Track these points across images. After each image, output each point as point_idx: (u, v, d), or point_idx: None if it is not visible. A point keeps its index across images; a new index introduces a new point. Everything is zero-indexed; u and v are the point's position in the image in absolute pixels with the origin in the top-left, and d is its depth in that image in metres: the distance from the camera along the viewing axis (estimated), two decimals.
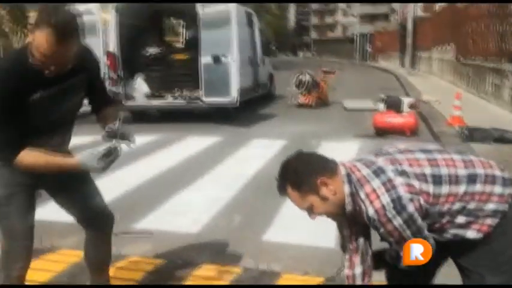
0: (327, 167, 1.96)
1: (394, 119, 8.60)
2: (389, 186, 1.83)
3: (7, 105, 2.05)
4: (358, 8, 62.97)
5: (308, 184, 1.92)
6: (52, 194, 2.52)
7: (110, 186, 5.68)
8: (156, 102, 10.85)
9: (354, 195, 1.90)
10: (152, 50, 11.22)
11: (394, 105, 8.86)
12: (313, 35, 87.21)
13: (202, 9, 9.48)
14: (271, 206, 4.68)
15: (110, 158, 2.25)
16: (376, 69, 32.53)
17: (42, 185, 2.43)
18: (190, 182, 5.88)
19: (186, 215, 4.72)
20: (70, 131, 2.42)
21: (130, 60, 10.61)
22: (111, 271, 3.36)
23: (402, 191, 1.81)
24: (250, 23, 12.31)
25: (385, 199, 1.81)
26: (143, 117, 11.12)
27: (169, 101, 10.77)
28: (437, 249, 1.90)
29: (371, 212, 1.83)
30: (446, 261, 2.19)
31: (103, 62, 9.83)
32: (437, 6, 23.84)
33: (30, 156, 2.16)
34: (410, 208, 1.81)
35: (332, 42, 73.19)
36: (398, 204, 1.79)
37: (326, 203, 1.94)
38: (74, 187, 2.49)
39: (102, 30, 10.00)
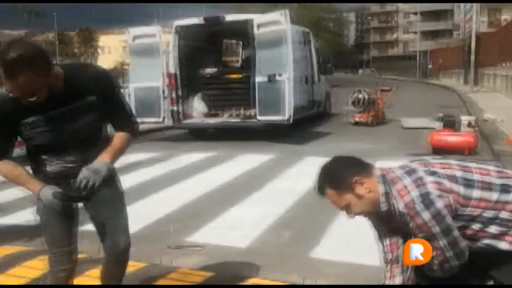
0: (363, 168, 2.11)
1: (451, 138, 8.40)
2: (419, 183, 1.95)
3: None
4: (419, 25, 61.82)
5: (345, 183, 2.06)
6: (85, 206, 2.66)
7: (167, 200, 5.97)
8: (212, 121, 11.17)
9: (388, 194, 2.01)
10: (210, 70, 11.58)
11: (451, 124, 8.67)
12: (373, 52, 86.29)
13: (257, 29, 9.71)
14: (320, 223, 4.72)
15: (68, 198, 2.33)
16: (437, 87, 31.71)
17: None
18: (243, 197, 6.02)
19: (237, 230, 4.84)
20: (92, 149, 2.46)
21: (188, 80, 11.01)
22: (162, 282, 3.53)
23: (431, 188, 1.92)
24: (306, 42, 12.45)
25: (415, 193, 1.92)
26: (200, 134, 11.46)
27: (224, 119, 11.06)
28: (473, 259, 1.91)
29: (401, 206, 1.94)
30: (489, 280, 2.17)
31: (163, 82, 10.29)
32: (503, 19, 23.07)
33: (5, 167, 2.40)
34: (439, 204, 1.89)
35: (392, 60, 72.14)
36: (426, 199, 1.90)
37: (362, 201, 2.06)
38: (103, 205, 2.61)
39: (162, 52, 10.44)
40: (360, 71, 76.35)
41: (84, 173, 2.27)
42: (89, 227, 2.73)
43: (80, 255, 3.48)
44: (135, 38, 10.69)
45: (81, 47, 75.79)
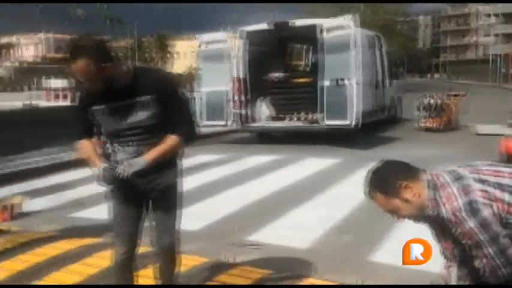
0: (411, 172, 2.13)
1: None
2: (466, 190, 1.95)
3: (79, 110, 2.77)
4: (500, 27, 58.87)
5: (393, 188, 2.09)
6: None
7: (232, 200, 6.17)
8: (278, 124, 11.32)
9: (435, 199, 2.03)
10: (277, 74, 11.74)
11: None
12: (449, 56, 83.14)
13: (325, 34, 9.75)
14: (381, 228, 4.70)
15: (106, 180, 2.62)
16: None
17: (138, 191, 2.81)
18: (305, 200, 6.10)
19: (298, 231, 4.93)
20: (146, 145, 2.67)
21: (256, 84, 11.23)
22: (223, 277, 3.69)
23: (478, 196, 1.92)
24: (375, 46, 12.31)
25: (461, 201, 1.93)
26: (266, 138, 11.65)
27: (290, 123, 11.17)
28: None
29: (447, 212, 1.96)
30: None
31: (231, 86, 10.58)
32: None
33: (84, 144, 2.78)
34: (485, 212, 1.89)
35: (467, 63, 69.12)
36: (472, 207, 1.90)
37: (409, 206, 2.09)
38: (158, 205, 2.84)
39: (231, 57, 10.73)
40: (434, 76, 73.78)
41: (122, 166, 2.58)
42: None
43: (145, 248, 3.74)
44: (204, 43, 11.07)
45: (157, 52, 78.63)
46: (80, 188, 6.89)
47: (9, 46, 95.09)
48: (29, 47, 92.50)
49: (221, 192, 6.58)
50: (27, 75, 58.85)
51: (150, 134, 2.67)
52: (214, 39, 11.09)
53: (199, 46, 11.05)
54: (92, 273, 3.77)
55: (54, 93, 30.72)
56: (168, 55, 78.08)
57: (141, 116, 2.62)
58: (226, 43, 10.71)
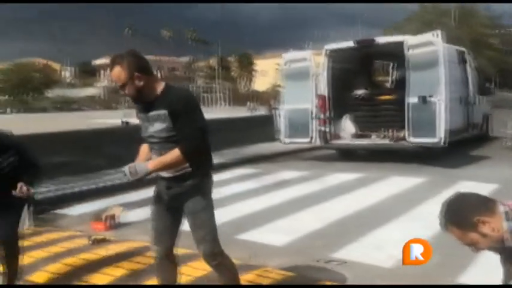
0: (486, 205, 2.07)
1: None
2: None
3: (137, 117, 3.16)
4: None
5: (468, 222, 2.05)
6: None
7: (315, 217, 6.25)
8: (361, 142, 11.25)
9: None
10: (360, 91, 11.71)
11: None
12: None
13: (410, 51, 9.63)
14: (468, 250, 4.57)
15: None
16: None
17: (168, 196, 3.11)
18: (390, 219, 6.04)
19: (382, 250, 4.91)
20: (163, 154, 2.95)
21: (338, 101, 11.26)
22: None
23: None
24: (462, 62, 11.93)
25: None
26: (348, 155, 11.60)
27: (374, 140, 11.06)
28: None
29: None
30: None
31: (314, 104, 10.70)
32: None
33: (141, 148, 3.19)
34: None
35: None
36: None
37: (486, 239, 2.05)
38: (190, 215, 3.07)
39: (313, 75, 10.87)
40: None
41: (126, 168, 2.85)
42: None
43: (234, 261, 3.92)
44: (288, 62, 11.30)
45: (238, 71, 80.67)
46: None
47: (103, 68, 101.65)
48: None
49: (304, 209, 6.67)
50: (116, 95, 62.52)
51: (166, 144, 2.94)
52: (298, 57, 11.29)
53: (285, 64, 11.29)
54: (184, 281, 4.00)
55: None
56: (251, 73, 79.85)
57: (157, 127, 2.93)
58: (309, 61, 10.87)
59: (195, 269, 4.17)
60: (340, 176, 9.27)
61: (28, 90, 67.02)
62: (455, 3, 46.07)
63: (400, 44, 9.92)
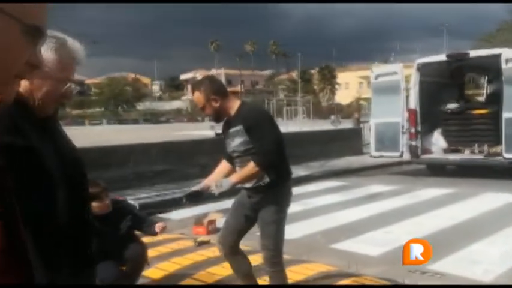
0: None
1: None
2: None
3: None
4: None
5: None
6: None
7: (408, 230, 6.29)
8: (453, 157, 11.00)
9: None
10: (451, 105, 11.46)
11: None
12: None
13: (505, 64, 9.37)
14: None
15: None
16: None
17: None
18: (485, 235, 5.96)
19: (479, 264, 4.90)
20: (243, 167, 3.25)
21: (429, 115, 11.11)
22: None
23: None
24: None
25: None
26: (438, 170, 11.38)
27: (466, 155, 10.79)
28: None
29: None
30: None
31: (404, 117, 10.65)
32: None
33: (220, 164, 3.58)
34: None
35: None
36: None
37: None
38: (261, 222, 3.37)
39: (403, 89, 10.83)
40: None
41: (213, 184, 3.18)
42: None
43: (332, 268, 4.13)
44: (378, 76, 11.34)
45: (320, 83, 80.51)
46: None
47: (189, 82, 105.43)
48: None
49: (397, 222, 6.72)
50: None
51: (246, 157, 3.24)
52: (388, 71, 11.30)
53: (374, 78, 11.34)
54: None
55: None
56: (334, 86, 79.43)
57: (236, 142, 3.24)
58: (400, 74, 10.85)
59: (296, 273, 4.43)
60: (432, 190, 9.17)
61: (120, 103, 71.20)
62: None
63: (496, 57, 9.67)
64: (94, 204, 3.36)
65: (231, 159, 3.41)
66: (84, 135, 29.52)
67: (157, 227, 3.81)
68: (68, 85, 1.60)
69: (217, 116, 3.32)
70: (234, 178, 3.21)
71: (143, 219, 4.07)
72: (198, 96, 3.25)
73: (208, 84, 3.29)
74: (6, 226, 0.77)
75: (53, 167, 1.46)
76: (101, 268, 3.75)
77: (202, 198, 3.41)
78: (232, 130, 3.26)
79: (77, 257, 1.52)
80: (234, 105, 3.28)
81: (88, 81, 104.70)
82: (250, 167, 3.14)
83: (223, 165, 3.52)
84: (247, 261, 3.63)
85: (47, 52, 1.54)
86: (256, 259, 3.91)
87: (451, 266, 4.89)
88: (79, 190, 1.57)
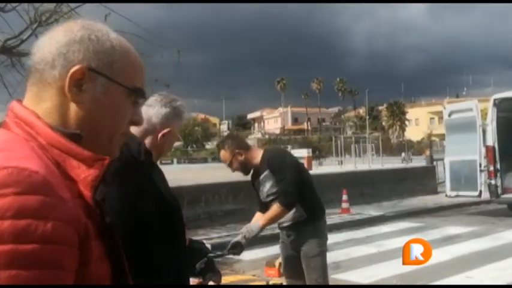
0: None
1: None
2: None
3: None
4: None
5: None
6: None
7: (492, 275, 5.92)
8: None
9: None
10: None
11: None
12: None
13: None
14: None
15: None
16: None
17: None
18: None
19: None
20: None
21: (507, 153, 10.57)
22: None
23: None
24: None
25: None
26: None
27: None
28: None
29: None
30: None
31: (481, 155, 10.21)
32: None
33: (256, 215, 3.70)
34: None
35: None
36: None
37: None
38: (303, 256, 3.48)
39: (479, 125, 10.43)
40: None
41: (244, 229, 3.32)
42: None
43: None
44: (451, 113, 11.01)
45: (389, 120, 79.05)
46: (338, 251, 7.48)
47: (256, 120, 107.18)
48: (270, 121, 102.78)
49: (477, 267, 6.35)
50: (269, 145, 65.20)
51: (270, 203, 3.43)
52: (463, 108, 10.96)
53: (448, 115, 11.02)
54: None
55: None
56: (403, 122, 77.76)
57: (267, 186, 3.44)
58: (475, 111, 10.48)
59: None
60: None
61: (190, 142, 73.23)
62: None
63: None
64: None
65: (265, 209, 3.52)
66: None
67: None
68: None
69: (244, 167, 3.52)
70: (262, 222, 3.36)
71: (212, 266, 4.10)
72: (224, 154, 3.50)
73: (230, 141, 3.57)
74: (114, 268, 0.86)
75: (165, 206, 1.73)
76: None
77: (243, 249, 3.43)
78: (261, 177, 3.48)
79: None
80: (258, 154, 3.52)
81: None
82: (274, 208, 3.35)
83: (258, 216, 3.63)
84: None
85: (171, 116, 1.97)
86: None
87: None
88: (181, 224, 1.82)
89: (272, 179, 3.42)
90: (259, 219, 3.53)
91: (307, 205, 3.44)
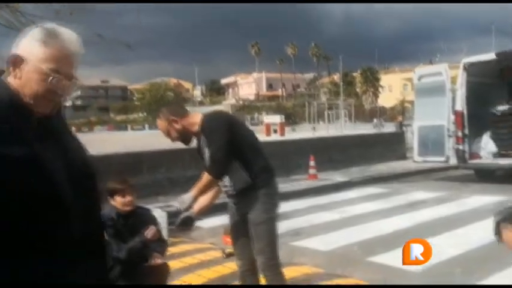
0: None
1: None
2: None
3: None
4: None
5: None
6: None
7: (454, 242, 5.80)
8: (503, 161, 10.30)
9: None
10: (501, 107, 10.76)
11: None
12: None
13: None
14: None
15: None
16: None
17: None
18: None
19: None
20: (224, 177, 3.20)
21: (476, 118, 10.46)
22: None
23: None
24: None
25: None
26: (487, 176, 10.71)
27: None
28: None
29: None
30: None
31: (450, 120, 10.07)
32: None
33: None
34: None
35: None
36: None
37: None
38: (250, 224, 3.19)
39: (449, 90, 10.25)
40: None
41: (180, 200, 3.07)
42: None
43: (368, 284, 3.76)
44: (421, 77, 10.80)
45: (363, 86, 79.20)
46: (300, 218, 7.28)
47: (230, 86, 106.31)
48: (244, 86, 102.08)
49: (441, 233, 6.22)
50: (242, 111, 64.90)
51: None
52: (433, 71, 10.74)
53: (418, 79, 10.81)
54: None
55: (273, 128, 32.97)
56: (377, 88, 77.93)
57: (207, 153, 3.12)
58: (445, 75, 10.27)
59: None
60: (480, 198, 8.57)
61: (162, 108, 72.28)
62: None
63: None
64: (118, 199, 3.50)
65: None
66: (122, 141, 30.04)
67: (149, 232, 3.53)
68: (59, 79, 1.45)
69: (183, 136, 3.24)
70: (193, 192, 3.10)
71: (159, 239, 3.81)
72: (160, 123, 3.25)
73: (165, 109, 3.32)
74: None
75: (56, 171, 1.40)
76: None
77: (194, 223, 3.26)
78: (202, 144, 3.20)
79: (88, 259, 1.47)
80: (196, 120, 3.22)
81: (130, 86, 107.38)
82: (204, 176, 3.08)
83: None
84: (258, 283, 3.44)
85: (31, 43, 1.44)
86: None
87: (502, 283, 4.40)
88: (87, 192, 1.51)
89: (207, 146, 3.15)
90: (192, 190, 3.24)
91: (252, 170, 3.11)
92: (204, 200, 3.23)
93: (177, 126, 3.19)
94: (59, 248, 1.38)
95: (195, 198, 3.10)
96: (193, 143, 3.35)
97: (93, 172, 1.56)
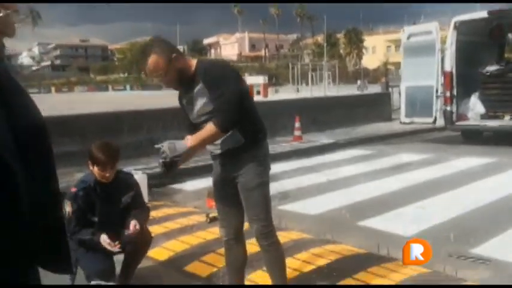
0: None
1: None
2: None
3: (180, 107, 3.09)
4: None
5: None
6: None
7: (444, 205, 5.65)
8: (491, 123, 10.17)
9: None
10: (490, 68, 10.55)
11: None
12: None
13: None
14: None
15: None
16: None
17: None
18: None
19: None
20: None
21: (465, 79, 10.25)
22: None
23: None
24: None
25: None
26: (475, 138, 10.61)
27: (506, 121, 9.95)
28: None
29: None
30: None
31: (438, 80, 9.84)
32: None
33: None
34: None
35: None
36: None
37: None
38: (242, 191, 2.88)
39: (438, 49, 9.98)
40: None
41: (165, 144, 2.60)
42: None
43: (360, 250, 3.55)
44: (410, 35, 10.49)
45: (346, 48, 78.54)
46: (287, 180, 7.07)
47: (213, 46, 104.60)
48: (227, 47, 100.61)
49: (430, 196, 6.07)
50: None
51: (211, 119, 2.70)
52: (422, 30, 10.43)
53: (407, 38, 10.49)
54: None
55: (256, 89, 32.52)
56: (361, 50, 77.35)
57: (200, 102, 2.75)
58: (435, 34, 9.97)
59: (317, 257, 3.87)
60: (468, 160, 8.44)
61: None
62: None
63: None
64: (97, 170, 3.28)
65: (194, 132, 2.77)
66: (104, 101, 29.38)
67: (134, 225, 3.28)
68: None
69: (181, 78, 2.78)
70: (190, 141, 2.66)
71: (140, 205, 3.55)
72: (157, 61, 2.70)
73: (163, 43, 2.80)
74: None
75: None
76: (92, 259, 3.27)
77: (176, 166, 2.71)
78: (194, 91, 2.77)
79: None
80: (193, 64, 2.81)
81: (111, 46, 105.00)
82: (209, 127, 2.67)
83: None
84: (245, 255, 3.16)
85: None
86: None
87: (497, 249, 4.25)
88: (39, 163, 1.27)
89: (206, 96, 2.73)
90: (188, 138, 2.76)
91: (247, 128, 2.76)
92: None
93: (179, 65, 2.75)
94: (3, 228, 1.13)
95: (191, 150, 2.68)
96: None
97: (47, 135, 1.31)
